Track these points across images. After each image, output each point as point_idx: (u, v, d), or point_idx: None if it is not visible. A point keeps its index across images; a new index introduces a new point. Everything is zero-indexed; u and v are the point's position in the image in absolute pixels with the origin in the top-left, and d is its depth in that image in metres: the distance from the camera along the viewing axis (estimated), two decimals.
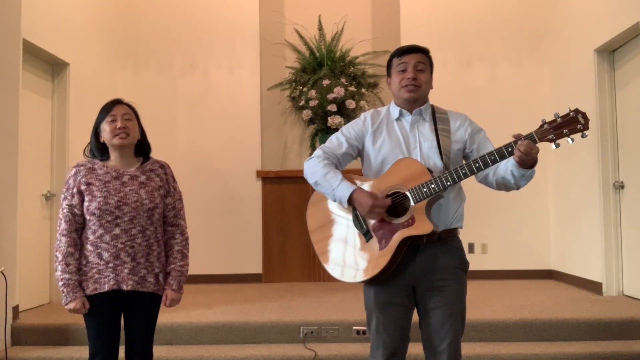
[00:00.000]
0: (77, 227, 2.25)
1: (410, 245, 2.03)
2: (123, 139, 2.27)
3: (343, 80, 5.22)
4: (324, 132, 5.15)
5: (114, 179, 2.27)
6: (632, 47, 4.18)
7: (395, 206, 2.04)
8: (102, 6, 5.12)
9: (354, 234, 2.09)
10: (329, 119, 5.09)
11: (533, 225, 5.33)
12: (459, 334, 2.09)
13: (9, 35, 3.68)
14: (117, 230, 2.22)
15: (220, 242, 5.39)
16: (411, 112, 2.18)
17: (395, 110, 2.21)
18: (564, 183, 5.06)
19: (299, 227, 4.97)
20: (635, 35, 4.07)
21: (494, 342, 3.41)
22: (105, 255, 2.21)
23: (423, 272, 2.08)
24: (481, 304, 3.93)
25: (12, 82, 3.66)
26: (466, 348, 2.43)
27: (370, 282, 2.11)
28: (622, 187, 4.31)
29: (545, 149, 2.01)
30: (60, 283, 2.19)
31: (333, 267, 2.11)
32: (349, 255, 2.09)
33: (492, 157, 1.93)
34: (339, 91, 5.08)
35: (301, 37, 5.53)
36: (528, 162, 1.90)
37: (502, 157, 1.93)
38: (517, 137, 1.90)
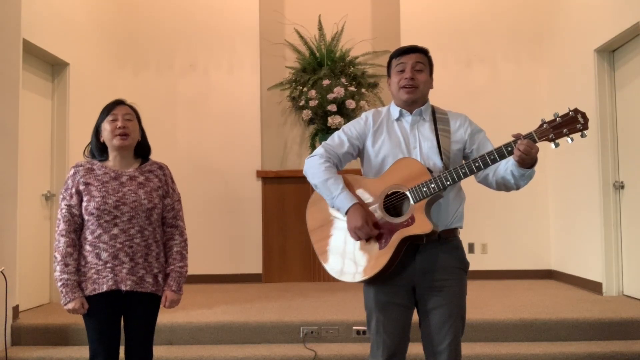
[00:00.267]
0: (76, 227, 2.24)
1: (410, 245, 2.02)
2: (123, 140, 2.27)
3: (343, 80, 5.22)
4: (324, 132, 5.15)
5: (113, 179, 2.27)
6: (632, 47, 4.18)
7: (395, 206, 2.04)
8: (102, 6, 5.12)
9: None
10: (329, 119, 5.09)
11: (533, 225, 5.33)
12: (459, 334, 2.09)
13: (9, 35, 3.68)
14: (115, 230, 2.22)
15: (221, 242, 5.39)
16: (411, 113, 2.18)
17: (395, 111, 2.21)
18: (563, 183, 5.05)
19: (299, 227, 4.97)
20: (635, 35, 4.07)
21: (494, 342, 3.41)
22: (104, 255, 2.21)
23: (423, 272, 2.08)
24: (481, 304, 3.93)
25: (12, 82, 3.67)
26: (466, 348, 2.43)
27: (370, 282, 2.11)
28: (622, 187, 4.31)
29: (545, 148, 2.01)
30: (59, 283, 2.19)
31: (333, 267, 2.11)
32: (348, 254, 2.08)
33: (492, 157, 1.93)
34: (339, 91, 5.08)
35: (301, 37, 5.53)
36: (528, 162, 1.91)
37: (502, 156, 1.93)
38: (517, 137, 1.90)
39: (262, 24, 5.55)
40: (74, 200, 2.24)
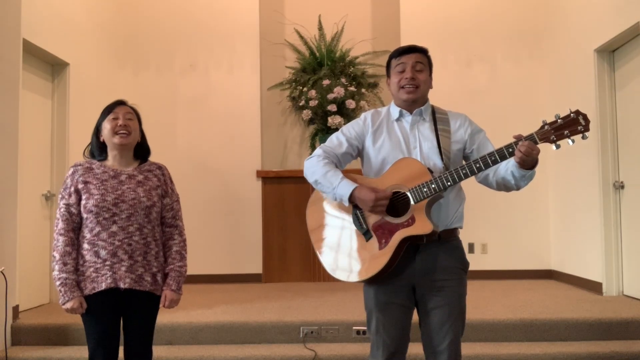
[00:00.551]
0: (75, 226, 2.24)
1: (410, 245, 2.03)
2: (123, 137, 2.28)
3: (343, 80, 5.22)
4: (324, 132, 5.15)
5: (112, 178, 2.28)
6: (632, 47, 4.18)
7: (395, 206, 2.04)
8: (102, 6, 5.12)
9: (353, 233, 2.09)
10: (329, 119, 5.09)
11: (533, 225, 5.33)
12: (459, 334, 2.09)
13: (9, 35, 3.68)
14: (114, 228, 2.22)
15: (220, 242, 5.39)
16: (411, 113, 2.18)
17: (395, 111, 2.21)
18: (564, 183, 5.05)
19: (299, 227, 4.97)
20: (635, 35, 4.07)
21: (494, 342, 3.41)
22: (103, 253, 2.20)
23: (423, 272, 2.08)
24: (481, 304, 3.93)
25: (12, 82, 3.66)
26: (466, 348, 2.43)
27: (370, 282, 2.11)
28: (622, 187, 4.31)
29: (545, 149, 2.01)
30: (58, 282, 2.18)
31: (333, 267, 2.11)
32: (349, 254, 2.09)
33: (493, 158, 1.93)
34: (339, 91, 5.08)
35: (301, 37, 5.53)
36: (529, 163, 1.91)
37: (503, 157, 1.93)
38: (518, 138, 1.90)
39: (262, 24, 5.55)
40: (73, 199, 2.24)
